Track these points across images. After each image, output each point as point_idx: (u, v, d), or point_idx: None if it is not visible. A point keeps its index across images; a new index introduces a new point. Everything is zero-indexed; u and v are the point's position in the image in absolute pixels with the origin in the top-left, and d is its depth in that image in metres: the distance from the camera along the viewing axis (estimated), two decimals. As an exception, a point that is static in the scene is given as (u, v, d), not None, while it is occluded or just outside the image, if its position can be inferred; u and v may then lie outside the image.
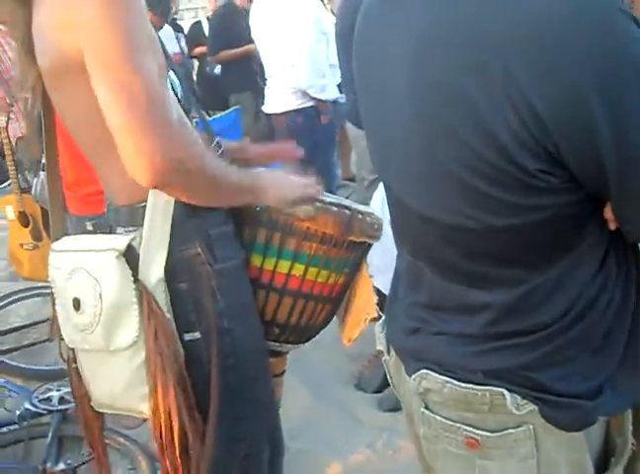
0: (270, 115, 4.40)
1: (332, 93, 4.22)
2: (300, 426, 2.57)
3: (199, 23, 7.08)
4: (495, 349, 0.97)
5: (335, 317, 1.70)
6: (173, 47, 6.75)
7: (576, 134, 0.82)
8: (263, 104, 4.55)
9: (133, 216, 1.40)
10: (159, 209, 1.35)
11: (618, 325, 0.99)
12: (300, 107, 4.22)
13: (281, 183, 1.50)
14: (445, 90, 0.88)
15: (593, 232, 0.94)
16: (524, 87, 0.81)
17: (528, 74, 0.81)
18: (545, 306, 0.94)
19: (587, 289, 0.95)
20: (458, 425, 1.00)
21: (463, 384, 0.98)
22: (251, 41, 4.80)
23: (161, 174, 1.21)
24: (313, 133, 4.16)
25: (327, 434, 2.55)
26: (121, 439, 2.29)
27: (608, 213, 0.91)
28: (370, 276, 1.65)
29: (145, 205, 1.34)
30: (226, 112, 5.13)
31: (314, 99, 4.16)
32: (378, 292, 1.68)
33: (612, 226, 0.93)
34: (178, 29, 7.10)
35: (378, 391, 2.79)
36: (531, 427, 0.97)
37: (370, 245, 1.60)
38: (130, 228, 1.40)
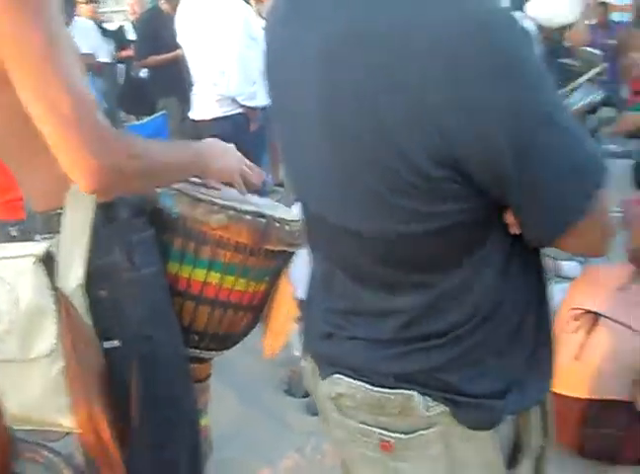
0: (197, 121, 4.34)
1: (262, 100, 4.12)
2: (229, 433, 2.56)
3: (122, 27, 7.02)
4: (406, 352, 1.00)
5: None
6: (101, 52, 6.67)
7: (479, 149, 0.86)
8: (190, 109, 4.51)
9: (50, 223, 1.37)
10: (77, 216, 1.33)
11: (524, 326, 1.03)
12: (228, 114, 4.18)
13: (223, 152, 1.52)
14: (352, 99, 0.90)
15: (497, 236, 0.97)
16: (428, 99, 0.84)
17: (434, 87, 0.83)
18: (453, 310, 0.97)
19: (492, 292, 0.98)
20: (372, 428, 1.02)
21: (376, 388, 1.00)
22: (178, 46, 4.78)
23: (100, 182, 1.20)
24: (242, 140, 4.13)
25: (256, 440, 2.56)
26: (45, 452, 2.22)
27: (510, 218, 0.95)
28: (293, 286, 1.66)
29: (61, 212, 1.33)
30: (152, 117, 5.09)
31: (243, 106, 4.14)
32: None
33: (514, 230, 0.96)
34: (107, 33, 7.02)
35: (307, 395, 2.80)
36: (442, 427, 1.00)
37: (292, 253, 1.60)
38: (47, 235, 1.38)
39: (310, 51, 0.94)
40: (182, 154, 1.45)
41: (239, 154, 1.57)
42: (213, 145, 1.54)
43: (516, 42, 0.86)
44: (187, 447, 1.58)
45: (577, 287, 2.58)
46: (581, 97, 4.15)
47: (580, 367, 2.32)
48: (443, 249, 0.95)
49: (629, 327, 2.29)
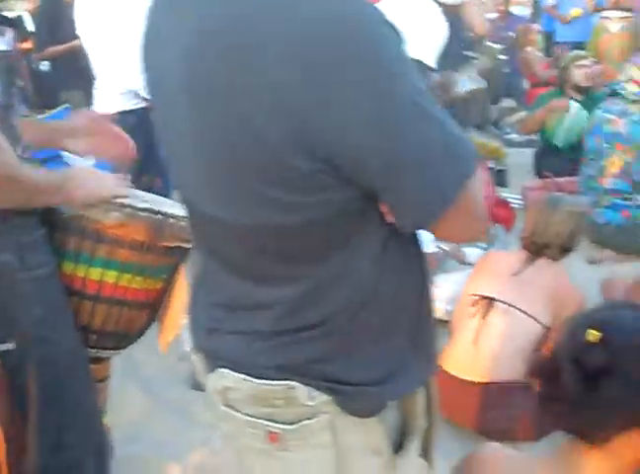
0: (101, 115, 4.24)
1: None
2: (135, 430, 2.53)
3: (20, 16, 6.76)
4: (285, 343, 1.02)
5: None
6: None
7: (345, 140, 0.88)
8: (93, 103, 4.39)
9: None
10: None
11: (402, 312, 1.06)
12: (133, 108, 4.08)
13: (91, 181, 1.50)
14: (218, 96, 0.91)
15: (373, 225, 0.99)
16: (290, 95, 0.86)
17: (295, 82, 0.85)
18: (329, 300, 0.99)
19: (369, 281, 1.00)
20: (259, 420, 1.04)
21: (259, 381, 1.02)
22: (77, 37, 4.64)
23: None
24: (147, 135, 4.05)
25: (162, 436, 2.53)
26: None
27: (385, 207, 0.97)
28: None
29: None
30: (55, 110, 4.93)
31: (147, 100, 4.06)
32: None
33: (390, 219, 0.98)
34: (6, 22, 6.74)
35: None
36: (327, 416, 1.02)
37: (188, 249, 1.60)
38: None
39: (178, 43, 0.95)
40: (49, 177, 1.44)
41: (111, 178, 1.56)
42: (78, 173, 1.53)
43: (375, 35, 0.88)
44: (91, 448, 1.56)
45: (475, 274, 2.67)
46: (464, 84, 4.29)
47: (477, 352, 2.42)
48: (318, 240, 0.97)
49: (522, 310, 2.40)
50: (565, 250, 2.56)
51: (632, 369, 1.09)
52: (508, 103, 7.28)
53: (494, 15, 9.15)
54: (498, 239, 3.85)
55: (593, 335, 1.10)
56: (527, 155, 5.59)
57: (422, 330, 1.10)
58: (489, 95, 6.68)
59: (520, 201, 4.51)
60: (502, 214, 4.12)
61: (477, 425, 2.43)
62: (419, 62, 3.61)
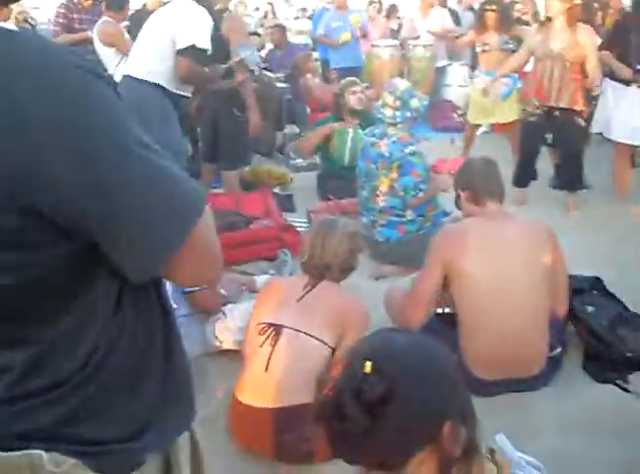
0: None
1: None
2: None
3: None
4: (26, 409, 0.95)
5: None
6: None
7: (60, 194, 0.84)
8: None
9: None
10: None
11: (149, 363, 1.03)
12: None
13: None
14: None
15: (103, 277, 0.95)
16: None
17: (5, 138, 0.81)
18: (66, 359, 0.95)
19: (106, 335, 0.97)
20: None
21: (2, 453, 0.94)
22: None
23: None
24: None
25: None
26: None
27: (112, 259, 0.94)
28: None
29: None
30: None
31: None
32: None
33: (119, 268, 0.95)
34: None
35: None
36: None
37: None
38: None
39: None
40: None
41: None
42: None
43: (84, 90, 0.87)
44: None
45: (260, 302, 2.69)
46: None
47: (269, 379, 2.43)
48: (43, 300, 0.91)
49: (308, 334, 2.45)
50: (345, 270, 2.65)
51: (410, 391, 1.14)
52: (292, 129, 7.53)
53: (272, 44, 9.46)
54: (286, 264, 3.94)
55: (367, 366, 1.14)
56: (313, 179, 5.80)
57: (174, 374, 1.08)
58: (273, 122, 6.86)
59: (306, 225, 4.66)
60: (289, 239, 4.24)
61: (275, 451, 2.45)
62: (194, 47, 3.84)
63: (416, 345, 1.25)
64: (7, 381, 0.95)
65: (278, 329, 2.48)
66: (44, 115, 0.83)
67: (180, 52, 3.90)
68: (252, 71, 4.77)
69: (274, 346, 2.46)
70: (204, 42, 3.93)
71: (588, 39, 5.01)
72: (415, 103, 4.26)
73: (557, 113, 5.18)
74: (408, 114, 4.23)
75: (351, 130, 5.47)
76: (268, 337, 2.48)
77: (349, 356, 1.24)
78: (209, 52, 4.02)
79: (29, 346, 0.94)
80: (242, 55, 4.56)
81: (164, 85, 4.01)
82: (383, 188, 4.27)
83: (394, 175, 4.20)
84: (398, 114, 4.23)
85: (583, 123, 5.20)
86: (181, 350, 1.12)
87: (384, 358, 1.17)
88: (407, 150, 4.20)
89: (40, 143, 0.82)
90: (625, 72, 4.99)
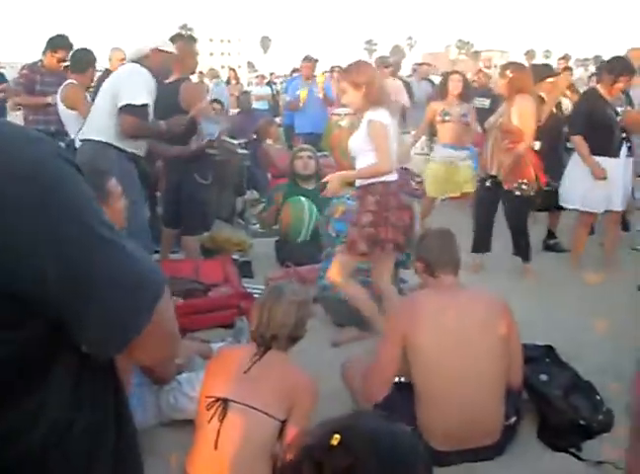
0: None
1: None
2: None
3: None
4: None
5: None
6: None
7: (26, 275, 0.87)
8: None
9: None
10: None
11: (100, 446, 1.02)
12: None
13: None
14: None
15: (62, 357, 0.96)
16: None
17: None
18: (20, 442, 0.93)
19: (62, 416, 0.96)
20: None
21: None
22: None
23: None
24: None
25: None
26: None
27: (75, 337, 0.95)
28: None
29: None
30: None
31: None
32: None
33: (84, 348, 0.96)
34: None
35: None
36: None
37: None
38: None
39: None
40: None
41: None
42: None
43: (55, 176, 0.90)
44: None
45: (209, 374, 2.63)
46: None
47: (218, 455, 2.37)
48: (7, 379, 0.91)
49: (256, 408, 2.40)
50: (293, 339, 2.60)
51: (372, 471, 1.13)
52: (252, 194, 7.60)
53: (237, 109, 9.61)
54: (244, 332, 3.92)
55: (334, 438, 1.14)
56: (271, 245, 5.83)
57: (124, 463, 1.07)
58: (233, 187, 6.93)
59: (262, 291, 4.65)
60: (247, 307, 4.21)
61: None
62: (132, 105, 4.08)
63: (388, 432, 1.23)
64: None
65: (225, 403, 2.44)
66: (19, 197, 0.86)
67: (120, 110, 4.12)
68: (211, 141, 4.94)
69: (221, 421, 2.41)
70: (143, 98, 4.14)
71: (522, 109, 5.15)
72: None
73: (493, 181, 5.34)
74: None
75: (305, 202, 5.60)
76: (215, 411, 2.44)
77: (316, 427, 1.23)
78: (149, 107, 4.22)
79: None
80: (207, 133, 4.79)
81: (117, 144, 4.18)
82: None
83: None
84: None
85: (520, 193, 5.21)
86: (132, 428, 1.11)
87: (353, 436, 1.16)
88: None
89: (15, 224, 0.85)
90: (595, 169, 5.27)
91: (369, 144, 3.74)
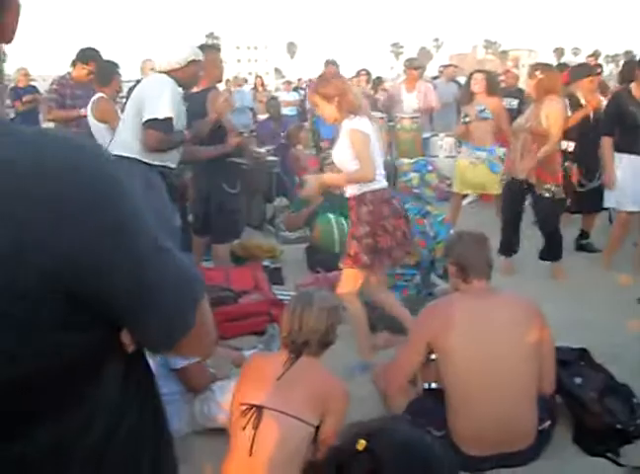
0: None
1: None
2: None
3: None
4: None
5: None
6: None
7: (96, 278, 0.92)
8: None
9: None
10: None
11: (144, 451, 1.07)
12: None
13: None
14: None
15: (113, 363, 1.01)
16: (30, 235, 0.86)
17: (36, 223, 0.86)
18: (78, 445, 0.98)
19: (111, 420, 1.01)
20: None
21: None
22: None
23: None
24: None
25: None
26: None
27: (126, 338, 1.01)
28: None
29: None
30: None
31: None
32: None
33: (130, 349, 1.02)
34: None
35: None
36: None
37: None
38: None
39: None
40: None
41: None
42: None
43: (108, 183, 0.94)
44: None
45: (242, 381, 2.66)
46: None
47: (253, 462, 2.39)
48: (67, 387, 0.95)
49: (290, 414, 2.42)
50: (324, 345, 2.61)
51: None
52: (281, 201, 7.62)
53: (266, 115, 9.65)
54: (275, 339, 3.94)
55: (361, 444, 1.14)
56: (302, 251, 5.85)
57: (162, 465, 1.11)
58: (264, 195, 6.97)
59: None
60: (278, 314, 4.23)
61: None
62: (156, 119, 4.03)
63: (416, 442, 1.22)
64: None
65: (259, 410, 2.45)
66: (100, 219, 0.91)
67: (144, 125, 4.09)
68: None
69: (256, 428, 2.43)
70: (166, 112, 4.09)
71: (550, 111, 5.12)
72: (435, 180, 4.49)
73: (521, 183, 5.31)
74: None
75: (332, 217, 5.61)
76: (250, 419, 2.46)
77: (344, 431, 1.25)
78: (173, 120, 4.16)
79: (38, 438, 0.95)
80: (241, 125, 4.78)
81: (143, 159, 4.15)
82: (410, 260, 4.34)
83: (439, 254, 4.35)
84: (434, 195, 4.45)
85: (550, 195, 5.21)
86: (169, 435, 1.15)
87: (380, 442, 1.16)
88: (451, 232, 4.40)
89: (96, 244, 0.90)
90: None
91: (352, 154, 3.69)
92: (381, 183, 3.78)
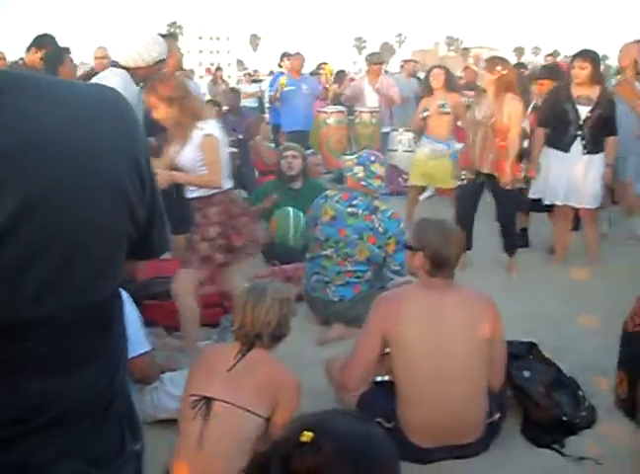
0: None
1: None
2: None
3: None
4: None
5: None
6: None
7: (144, 179, 1.15)
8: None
9: None
10: None
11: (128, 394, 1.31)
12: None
13: None
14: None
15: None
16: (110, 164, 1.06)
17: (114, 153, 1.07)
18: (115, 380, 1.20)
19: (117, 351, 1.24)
20: None
21: None
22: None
23: None
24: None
25: None
26: None
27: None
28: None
29: None
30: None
31: None
32: None
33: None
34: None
35: None
36: None
37: None
38: None
39: None
40: None
41: None
42: None
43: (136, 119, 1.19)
44: None
45: (193, 372, 2.63)
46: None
47: (202, 455, 2.38)
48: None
49: (239, 406, 2.41)
50: (276, 337, 2.59)
51: (339, 471, 1.13)
52: (240, 193, 7.57)
53: (225, 107, 9.59)
54: (229, 330, 3.91)
55: (306, 436, 1.14)
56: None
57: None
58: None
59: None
60: (231, 305, 4.22)
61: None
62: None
63: (360, 434, 1.22)
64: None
65: (208, 402, 2.44)
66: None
67: None
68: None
69: (205, 420, 2.41)
70: None
71: (512, 110, 5.21)
72: (381, 170, 4.46)
73: (483, 178, 5.39)
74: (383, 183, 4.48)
75: (290, 211, 5.60)
76: (199, 410, 2.44)
77: (290, 423, 1.24)
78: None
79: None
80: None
81: None
82: (360, 257, 4.34)
83: (390, 249, 4.32)
84: (384, 185, 4.43)
85: (510, 188, 5.34)
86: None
87: (325, 434, 1.16)
88: (401, 226, 4.40)
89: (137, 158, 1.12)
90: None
91: (201, 158, 3.67)
92: (229, 183, 3.85)
